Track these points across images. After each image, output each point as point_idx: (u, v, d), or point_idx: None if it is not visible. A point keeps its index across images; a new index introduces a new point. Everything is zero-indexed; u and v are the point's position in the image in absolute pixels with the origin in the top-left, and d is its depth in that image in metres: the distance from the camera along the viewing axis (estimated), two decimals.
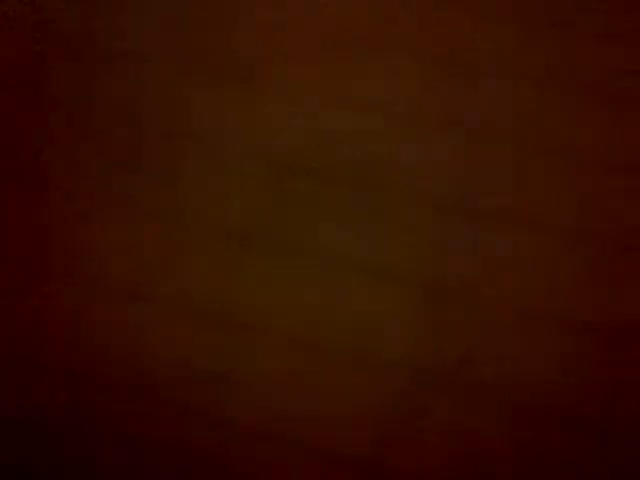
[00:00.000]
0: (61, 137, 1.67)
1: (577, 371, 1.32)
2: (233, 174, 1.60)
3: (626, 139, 1.65)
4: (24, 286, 1.44)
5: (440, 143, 1.65)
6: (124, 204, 1.56)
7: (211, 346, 1.36)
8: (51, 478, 1.21)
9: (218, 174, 1.60)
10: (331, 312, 1.40)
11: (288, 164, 1.61)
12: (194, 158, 1.63)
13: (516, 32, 1.85)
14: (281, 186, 1.58)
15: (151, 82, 1.77)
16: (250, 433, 1.26)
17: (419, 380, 1.32)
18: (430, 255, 1.47)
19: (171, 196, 1.57)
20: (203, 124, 1.69)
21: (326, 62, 1.80)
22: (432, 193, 1.57)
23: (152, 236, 1.51)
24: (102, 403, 1.29)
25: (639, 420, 1.26)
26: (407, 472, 1.22)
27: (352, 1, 1.92)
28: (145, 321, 1.39)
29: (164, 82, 1.77)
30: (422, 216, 1.53)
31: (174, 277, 1.45)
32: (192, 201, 1.56)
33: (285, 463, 1.23)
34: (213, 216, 1.54)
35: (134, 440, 1.25)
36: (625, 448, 1.24)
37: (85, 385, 1.31)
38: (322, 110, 1.71)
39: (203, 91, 1.75)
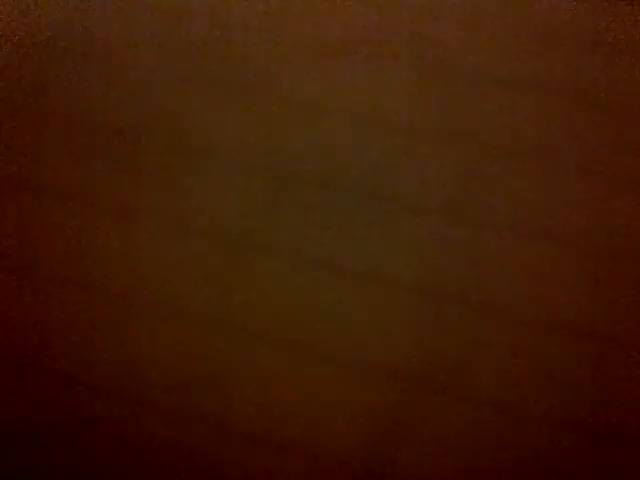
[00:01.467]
0: (61, 141, 1.67)
1: (576, 375, 1.32)
2: (233, 180, 1.61)
3: (625, 148, 1.66)
4: (23, 288, 1.44)
5: (439, 151, 1.65)
6: (123, 208, 1.56)
7: (209, 350, 1.36)
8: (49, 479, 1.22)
9: (218, 180, 1.61)
10: (330, 317, 1.40)
11: (288, 171, 1.62)
12: (194, 164, 1.63)
13: (512, 40, 1.85)
14: (280, 193, 1.58)
15: (152, 88, 1.77)
16: (248, 437, 1.26)
17: (418, 384, 1.32)
18: (429, 261, 1.48)
19: (171, 201, 1.57)
20: (203, 130, 1.69)
21: (326, 72, 1.81)
22: (431, 201, 1.57)
23: (151, 241, 1.51)
24: (99, 406, 1.29)
25: (635, 423, 1.27)
26: (406, 476, 1.22)
27: (352, 11, 1.93)
28: (143, 324, 1.39)
29: (165, 89, 1.77)
30: (420, 223, 1.53)
31: (172, 281, 1.45)
32: (192, 207, 1.56)
33: (283, 467, 1.23)
34: (212, 221, 1.54)
35: (131, 443, 1.25)
36: (623, 450, 1.24)
37: (82, 388, 1.31)
38: (322, 118, 1.71)
39: (203, 98, 1.75)
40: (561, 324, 1.39)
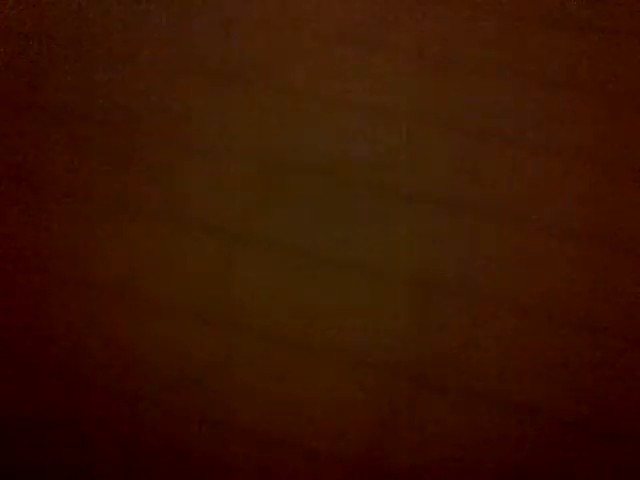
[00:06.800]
0: (60, 139, 1.67)
1: (574, 370, 1.32)
2: (230, 173, 1.61)
3: (624, 137, 1.65)
4: (22, 287, 1.44)
5: (440, 142, 1.65)
6: (121, 204, 1.56)
7: (208, 346, 1.36)
8: (49, 479, 1.22)
9: (215, 174, 1.60)
10: (327, 312, 1.40)
11: (287, 163, 1.62)
12: (192, 158, 1.63)
13: (514, 31, 1.85)
14: (279, 185, 1.58)
15: (148, 83, 1.77)
16: (246, 434, 1.26)
17: (416, 379, 1.32)
18: (428, 253, 1.47)
19: (169, 196, 1.57)
20: (200, 124, 1.69)
21: (323, 62, 1.80)
22: (429, 192, 1.57)
23: (149, 236, 1.51)
24: (99, 404, 1.29)
25: (636, 417, 1.26)
26: (404, 472, 1.22)
27: (350, 1, 1.92)
28: (142, 321, 1.39)
29: (160, 83, 1.77)
30: (417, 215, 1.53)
31: (171, 277, 1.45)
32: (190, 201, 1.56)
33: (282, 464, 1.23)
34: (210, 215, 1.54)
35: (131, 441, 1.25)
36: (624, 448, 1.24)
37: (82, 387, 1.32)
38: (320, 110, 1.71)
39: (200, 91, 1.75)
40: (561, 317, 1.39)
